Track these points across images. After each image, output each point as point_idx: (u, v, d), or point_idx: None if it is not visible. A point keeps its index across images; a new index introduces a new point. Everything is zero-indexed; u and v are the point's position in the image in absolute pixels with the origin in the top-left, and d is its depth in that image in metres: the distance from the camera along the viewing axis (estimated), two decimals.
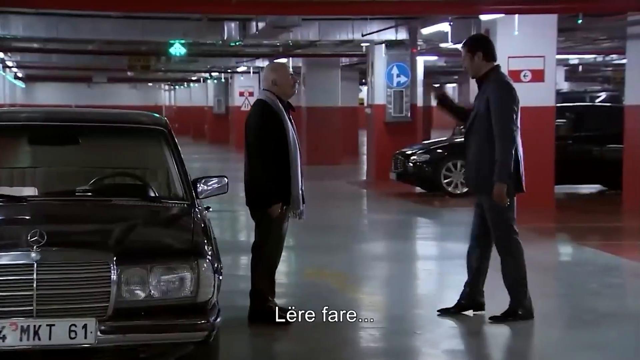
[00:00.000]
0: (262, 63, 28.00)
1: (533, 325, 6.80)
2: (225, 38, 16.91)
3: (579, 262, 9.92)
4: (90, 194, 5.60)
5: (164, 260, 4.76)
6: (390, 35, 17.50)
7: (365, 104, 21.85)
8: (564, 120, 16.11)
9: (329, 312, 7.25)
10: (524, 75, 13.65)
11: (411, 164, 15.96)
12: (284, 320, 6.83)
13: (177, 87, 49.61)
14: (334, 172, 21.67)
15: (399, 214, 14.28)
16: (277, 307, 6.93)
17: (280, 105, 6.94)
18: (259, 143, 6.79)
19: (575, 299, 7.92)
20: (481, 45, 6.97)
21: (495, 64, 6.97)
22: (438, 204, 15.04)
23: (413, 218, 13.75)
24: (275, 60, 7.85)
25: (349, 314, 7.15)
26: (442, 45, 19.51)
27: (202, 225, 5.34)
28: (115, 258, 4.65)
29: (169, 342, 4.76)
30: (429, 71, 29.14)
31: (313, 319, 6.94)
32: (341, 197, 16.82)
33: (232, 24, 16.68)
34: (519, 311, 6.80)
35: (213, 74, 35.54)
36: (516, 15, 13.02)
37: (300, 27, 15.18)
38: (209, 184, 5.87)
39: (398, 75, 18.94)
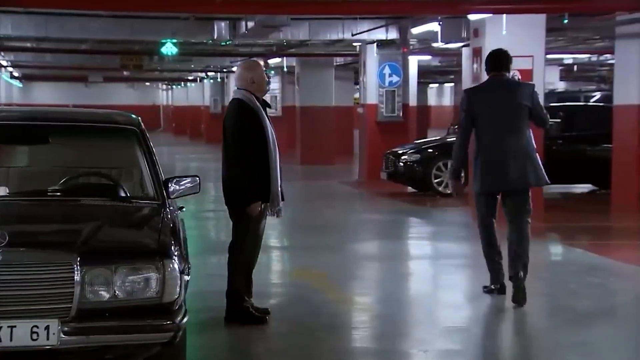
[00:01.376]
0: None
1: (514, 324, 6.89)
2: (215, 37, 16.90)
3: (562, 262, 9.90)
4: (59, 193, 5.59)
5: (129, 260, 4.73)
6: (380, 34, 17.49)
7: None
8: (555, 120, 16.11)
9: (308, 313, 7.30)
10: (513, 75, 13.58)
11: (402, 164, 15.94)
12: (260, 320, 6.85)
13: (174, 86, 49.62)
14: (327, 172, 21.67)
15: (388, 214, 14.26)
16: (253, 308, 6.93)
17: (257, 103, 6.92)
18: (238, 142, 6.77)
19: (555, 298, 7.91)
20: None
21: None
22: (429, 203, 15.03)
23: (402, 218, 13.73)
24: (249, 59, 7.81)
25: (330, 314, 7.19)
26: (435, 44, 19.47)
27: (171, 225, 5.32)
28: (78, 258, 4.62)
29: (134, 343, 4.74)
30: (424, 71, 29.13)
31: (292, 319, 6.99)
32: (331, 196, 16.80)
33: (222, 24, 16.66)
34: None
35: (209, 73, 35.53)
36: (504, 15, 12.98)
37: (289, 26, 15.16)
38: (180, 183, 5.85)
39: (390, 75, 18.92)
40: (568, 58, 27.14)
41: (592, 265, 9.41)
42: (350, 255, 10.24)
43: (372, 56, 18.87)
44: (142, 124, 6.23)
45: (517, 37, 13.45)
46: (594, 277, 8.76)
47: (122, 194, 5.67)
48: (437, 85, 50.27)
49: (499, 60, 7.84)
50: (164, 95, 56.35)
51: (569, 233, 11.80)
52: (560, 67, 30.41)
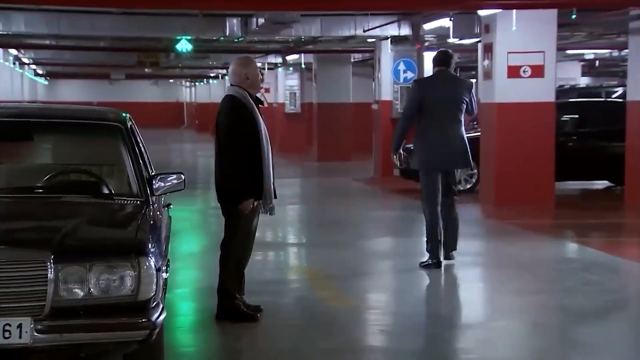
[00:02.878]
0: (275, 59, 27.98)
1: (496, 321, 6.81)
2: (227, 34, 16.88)
3: (562, 259, 9.79)
4: (41, 190, 5.58)
5: (103, 258, 4.70)
6: (393, 31, 17.38)
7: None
8: (572, 116, 15.98)
9: (301, 311, 7.26)
10: (524, 71, 13.53)
11: None
12: (251, 318, 6.81)
13: (196, 83, 49.70)
14: (343, 169, 21.61)
15: (396, 211, 14.20)
16: (245, 305, 6.89)
17: (250, 99, 6.88)
18: (230, 139, 6.74)
19: (551, 295, 7.84)
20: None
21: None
22: None
23: (412, 214, 13.61)
24: (243, 56, 7.76)
25: (322, 314, 7.14)
26: (450, 40, 19.34)
27: (152, 222, 5.29)
28: (52, 256, 4.60)
29: (109, 341, 4.72)
30: None
31: (282, 317, 6.95)
32: (343, 193, 16.74)
33: (234, 20, 16.64)
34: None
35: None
36: (514, 11, 12.87)
37: (300, 23, 15.08)
38: (165, 180, 5.82)
39: (405, 71, 18.83)
40: (589, 53, 26.88)
41: (592, 262, 9.34)
42: (355, 253, 10.16)
43: (386, 52, 18.78)
44: (129, 120, 6.21)
45: (528, 32, 13.38)
46: (592, 275, 8.69)
47: (105, 191, 5.65)
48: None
49: (445, 58, 8.86)
50: (187, 92, 56.48)
51: (574, 230, 11.71)
52: (582, 63, 30.13)
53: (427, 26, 16.50)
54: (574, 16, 13.17)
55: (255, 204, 6.82)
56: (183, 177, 5.90)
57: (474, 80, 10.36)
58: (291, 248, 10.86)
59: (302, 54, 25.08)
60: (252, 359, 6.13)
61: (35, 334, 4.53)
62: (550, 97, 13.66)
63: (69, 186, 5.67)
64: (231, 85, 7.00)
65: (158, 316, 4.80)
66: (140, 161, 5.83)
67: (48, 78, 50.49)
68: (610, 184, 16.35)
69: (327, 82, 24.28)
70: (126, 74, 38.90)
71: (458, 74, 9.26)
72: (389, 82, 18.93)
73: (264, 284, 8.15)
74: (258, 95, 7.12)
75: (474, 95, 8.91)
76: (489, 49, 13.81)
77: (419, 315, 7.32)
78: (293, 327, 6.76)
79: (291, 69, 28.53)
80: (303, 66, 26.88)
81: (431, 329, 6.91)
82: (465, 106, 8.71)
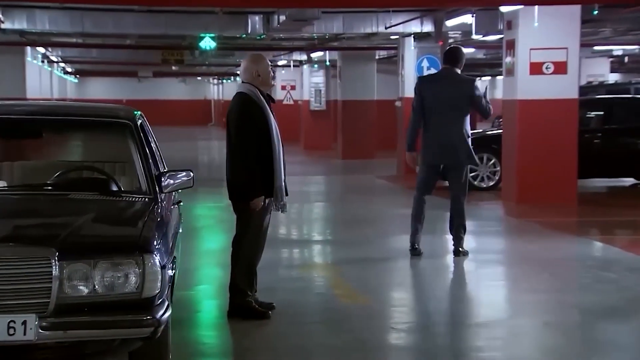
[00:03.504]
0: (300, 56, 27.97)
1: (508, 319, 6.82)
2: (249, 32, 16.89)
3: (578, 257, 9.70)
4: (50, 188, 5.60)
5: (108, 255, 4.70)
6: (416, 27, 17.32)
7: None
8: (597, 113, 15.85)
9: (312, 310, 7.24)
10: (547, 68, 13.42)
11: None
12: (263, 315, 6.81)
13: (224, 81, 49.79)
14: (366, 166, 21.56)
15: (428, 209, 14.09)
16: (257, 302, 6.89)
17: (261, 97, 6.87)
18: (242, 136, 6.74)
19: (563, 293, 7.79)
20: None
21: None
22: None
23: (433, 212, 13.55)
24: (254, 52, 7.71)
25: (333, 310, 7.12)
26: (474, 37, 19.23)
27: (159, 219, 5.29)
28: (57, 253, 4.61)
29: (113, 338, 4.73)
30: (471, 63, 28.79)
31: (294, 315, 6.93)
32: (366, 191, 16.67)
33: (256, 18, 16.66)
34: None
35: None
36: (535, 7, 12.77)
37: (320, 19, 15.04)
38: (174, 178, 5.83)
39: (428, 68, 18.71)
40: (617, 50, 26.64)
41: (611, 260, 9.26)
42: (374, 250, 10.11)
43: (409, 49, 18.71)
44: (140, 118, 6.22)
45: (551, 29, 13.28)
46: (608, 272, 8.61)
47: (114, 188, 5.67)
48: (489, 78, 49.69)
49: (452, 55, 9.09)
50: (215, 90, 56.61)
51: (595, 227, 11.61)
52: (611, 59, 29.86)
53: (450, 23, 16.43)
54: (595, 12, 13.03)
55: (267, 201, 6.82)
56: (192, 174, 5.91)
57: (480, 79, 10.41)
58: (311, 245, 10.81)
59: (327, 51, 25.05)
60: (259, 356, 6.11)
61: (40, 330, 4.54)
62: (574, 94, 13.54)
63: (77, 183, 5.68)
64: (242, 82, 6.99)
65: (163, 313, 4.80)
66: (149, 159, 5.83)
67: (77, 76, 50.83)
68: (637, 182, 16.21)
69: (351, 79, 24.23)
70: (153, 71, 39.04)
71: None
72: (412, 78, 18.83)
73: (282, 281, 8.14)
74: (270, 92, 7.12)
75: (483, 94, 8.97)
76: (511, 46, 13.72)
77: (434, 313, 7.27)
78: (306, 325, 6.74)
79: (316, 66, 28.50)
80: (327, 63, 26.85)
81: (446, 326, 6.86)
82: (467, 105, 8.86)
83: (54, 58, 31.15)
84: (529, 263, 9.12)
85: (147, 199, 5.59)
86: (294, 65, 29.96)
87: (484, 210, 13.39)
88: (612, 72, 31.14)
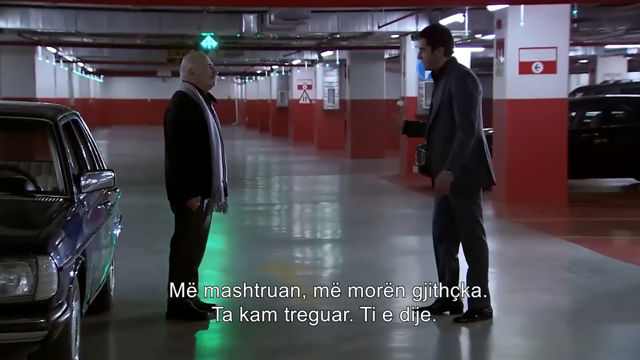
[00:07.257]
0: (311, 56, 27.90)
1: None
2: (243, 30, 16.85)
3: (547, 257, 9.52)
4: None
5: None
6: (411, 26, 17.17)
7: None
8: (596, 113, 15.68)
9: (256, 311, 7.13)
10: (536, 67, 13.26)
11: None
12: (201, 316, 6.73)
13: (246, 80, 49.84)
14: (373, 165, 21.41)
15: (412, 208, 13.99)
16: (196, 304, 6.81)
17: (200, 96, 6.80)
18: (178, 135, 6.68)
19: (515, 293, 7.70)
20: (443, 42, 6.63)
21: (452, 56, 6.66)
22: None
23: (424, 213, 13.43)
24: (193, 51, 7.60)
25: (284, 310, 7.01)
26: (478, 36, 19.07)
27: (69, 219, 5.23)
28: None
29: (5, 342, 4.66)
30: (479, 62, 28.53)
31: (240, 316, 6.82)
32: (364, 191, 16.55)
33: (250, 17, 16.61)
34: (484, 310, 6.62)
35: (274, 67, 35.56)
36: (521, 6, 12.62)
37: (312, 18, 14.96)
38: (94, 178, 5.76)
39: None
40: (632, 48, 26.28)
41: (576, 260, 9.15)
42: (361, 251, 9.98)
43: (411, 49, 18.56)
44: (68, 117, 6.14)
45: (540, 28, 13.12)
46: (571, 273, 8.50)
47: (30, 188, 5.61)
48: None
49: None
50: (238, 89, 56.71)
51: (574, 227, 11.43)
52: (628, 58, 29.47)
53: (445, 21, 16.24)
54: (575, 12, 12.86)
55: (206, 201, 6.75)
56: (113, 174, 5.85)
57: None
58: (294, 245, 10.69)
59: (337, 51, 24.96)
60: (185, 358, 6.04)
61: None
62: (563, 94, 13.41)
63: None
64: (182, 81, 6.92)
65: (59, 316, 4.73)
66: (68, 158, 5.75)
67: (102, 76, 51.12)
68: (637, 181, 15.98)
69: (360, 79, 24.11)
70: (172, 70, 39.15)
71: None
72: (414, 78, 18.72)
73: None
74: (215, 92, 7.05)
75: (461, 91, 6.51)
76: (501, 45, 13.56)
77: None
78: (246, 326, 6.64)
79: (327, 65, 28.42)
80: (337, 62, 26.75)
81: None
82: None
83: (69, 58, 31.25)
84: (497, 265, 8.95)
85: (61, 199, 5.52)
86: (307, 65, 29.90)
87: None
88: (629, 70, 30.73)
